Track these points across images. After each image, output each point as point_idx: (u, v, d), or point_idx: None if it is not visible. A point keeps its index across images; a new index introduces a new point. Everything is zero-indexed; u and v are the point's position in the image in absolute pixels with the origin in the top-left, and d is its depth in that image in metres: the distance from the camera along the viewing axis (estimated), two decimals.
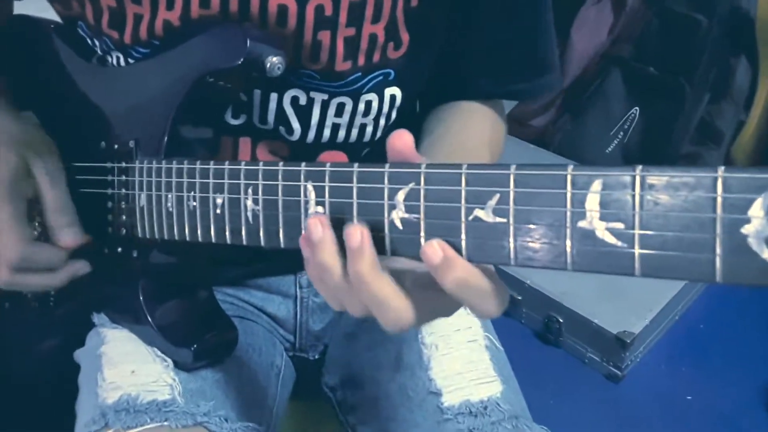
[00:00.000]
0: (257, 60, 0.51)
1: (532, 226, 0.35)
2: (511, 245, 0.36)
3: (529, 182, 0.35)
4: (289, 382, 0.73)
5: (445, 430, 0.59)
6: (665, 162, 1.84)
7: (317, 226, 0.40)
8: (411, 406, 0.63)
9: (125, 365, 0.58)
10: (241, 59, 0.51)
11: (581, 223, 0.33)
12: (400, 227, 0.41)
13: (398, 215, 0.41)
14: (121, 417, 0.53)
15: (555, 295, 1.43)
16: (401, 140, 0.40)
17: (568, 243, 0.33)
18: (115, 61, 0.61)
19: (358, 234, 0.38)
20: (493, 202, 0.36)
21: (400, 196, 0.40)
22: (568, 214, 0.33)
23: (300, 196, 0.46)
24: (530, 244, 0.35)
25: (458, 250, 0.38)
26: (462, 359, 0.64)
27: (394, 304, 0.38)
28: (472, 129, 0.65)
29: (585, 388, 1.41)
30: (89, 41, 0.63)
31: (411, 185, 0.40)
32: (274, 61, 0.51)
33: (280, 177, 0.47)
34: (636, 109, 1.82)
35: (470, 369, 0.63)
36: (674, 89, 1.81)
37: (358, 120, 0.61)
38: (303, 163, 0.46)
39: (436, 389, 0.62)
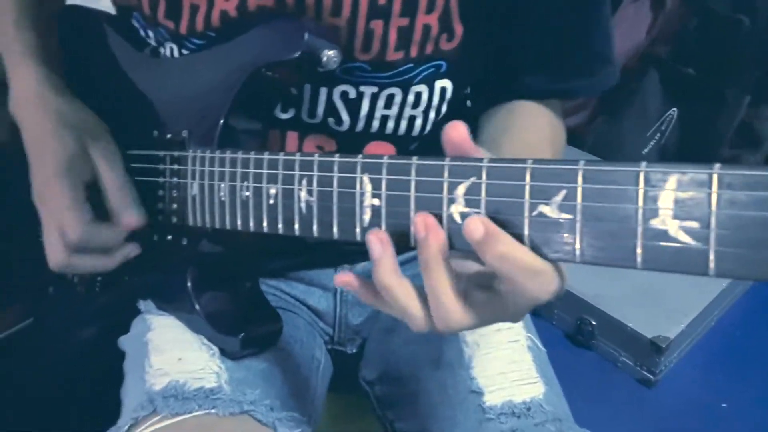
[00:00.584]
0: (314, 53, 0.51)
1: (600, 223, 0.34)
2: (578, 242, 0.35)
3: (599, 178, 0.34)
4: (327, 375, 0.73)
5: (486, 429, 0.59)
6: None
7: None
8: (452, 404, 0.63)
9: (172, 352, 0.59)
10: (299, 52, 0.51)
11: (653, 221, 0.32)
12: (460, 222, 0.40)
13: (458, 209, 0.40)
14: (169, 403, 0.54)
15: (588, 297, 1.41)
16: (456, 131, 0.40)
17: (639, 241, 0.33)
18: (168, 52, 0.61)
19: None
20: (559, 198, 0.36)
21: (461, 190, 0.40)
22: (640, 211, 0.33)
23: (356, 188, 0.46)
24: (598, 242, 0.34)
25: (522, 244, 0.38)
26: (504, 359, 0.64)
27: (412, 311, 0.40)
28: (533, 128, 0.64)
29: (617, 391, 1.39)
30: (142, 32, 0.63)
31: (472, 179, 0.40)
32: (330, 55, 0.52)
33: (335, 168, 0.47)
34: (674, 111, 1.79)
35: (512, 369, 0.63)
36: (713, 91, 1.77)
37: (408, 111, 0.61)
38: (359, 155, 0.46)
39: (477, 388, 0.62)
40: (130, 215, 0.59)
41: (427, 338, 0.69)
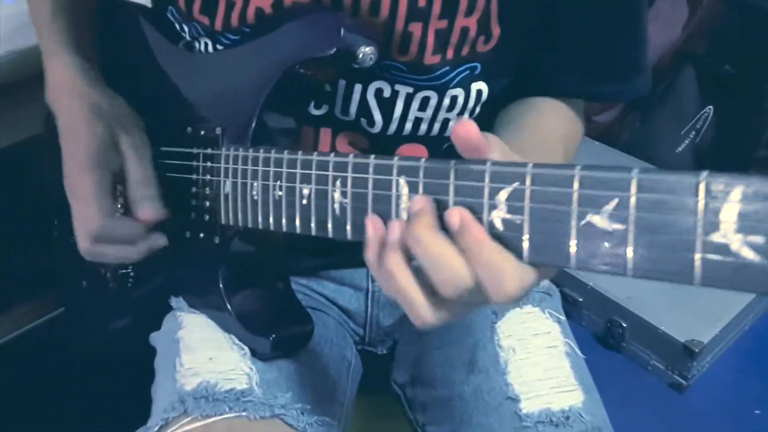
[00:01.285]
0: (350, 50, 0.50)
1: (654, 236, 0.33)
2: (629, 254, 0.34)
3: (655, 187, 0.33)
4: (357, 377, 0.72)
5: None
6: (739, 165, 1.77)
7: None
8: (486, 410, 0.61)
9: (203, 351, 0.59)
10: (334, 49, 0.50)
11: (714, 236, 0.30)
12: (500, 228, 0.39)
13: (499, 215, 0.39)
14: (200, 404, 0.53)
15: (619, 299, 1.38)
16: (464, 128, 0.39)
17: (697, 256, 0.31)
18: (203, 47, 0.61)
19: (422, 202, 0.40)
20: (610, 207, 0.34)
21: (502, 195, 0.39)
22: (700, 224, 0.31)
23: (392, 191, 0.44)
24: (651, 254, 0.33)
25: (566, 256, 0.36)
26: (541, 365, 0.62)
27: (448, 262, 0.37)
28: (547, 125, 0.63)
29: (646, 396, 1.36)
30: (177, 26, 0.63)
31: (515, 185, 0.38)
32: (367, 52, 0.50)
33: (370, 170, 0.46)
34: (710, 108, 1.74)
35: (550, 376, 0.61)
36: (751, 89, 1.72)
37: (442, 115, 0.60)
38: (395, 158, 0.44)
39: (513, 395, 0.60)
40: (147, 209, 0.59)
41: (461, 341, 0.67)
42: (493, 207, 0.39)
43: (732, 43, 1.76)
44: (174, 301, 0.65)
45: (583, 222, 0.35)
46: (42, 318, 1.02)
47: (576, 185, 0.36)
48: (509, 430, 0.58)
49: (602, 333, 1.43)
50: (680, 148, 1.75)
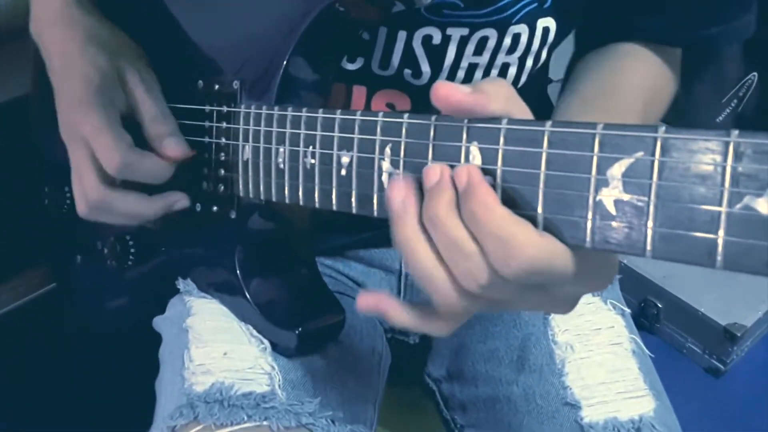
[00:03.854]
0: None
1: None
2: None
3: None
4: (386, 370, 0.64)
5: None
6: None
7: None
8: (540, 416, 0.53)
9: (216, 345, 0.50)
10: None
11: None
12: (613, 212, 0.30)
13: (611, 195, 0.30)
14: (213, 411, 0.45)
15: (656, 279, 1.30)
16: (444, 89, 0.33)
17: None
18: None
19: (437, 171, 0.33)
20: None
21: (617, 170, 0.30)
22: None
23: (459, 161, 0.35)
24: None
25: (712, 253, 0.27)
26: (605, 366, 0.54)
27: (467, 249, 0.31)
28: (624, 77, 0.55)
29: (681, 379, 1.29)
30: None
31: (637, 155, 0.29)
32: None
33: (431, 134, 0.36)
34: (754, 75, 1.64)
35: (616, 379, 0.53)
36: None
37: (501, 59, 0.52)
38: (466, 120, 0.35)
39: (573, 400, 0.52)
40: (171, 143, 0.50)
41: (508, 334, 0.59)
42: (602, 184, 0.30)
43: None
44: (182, 284, 0.56)
45: (739, 205, 0.26)
46: (29, 295, 0.93)
47: (730, 157, 0.26)
48: None
49: (635, 313, 1.35)
50: (721, 117, 1.65)
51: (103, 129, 0.48)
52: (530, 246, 0.30)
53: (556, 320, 0.58)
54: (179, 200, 0.52)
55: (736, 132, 0.27)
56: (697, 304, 1.26)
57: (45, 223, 0.71)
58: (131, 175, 0.49)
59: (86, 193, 0.51)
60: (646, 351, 0.58)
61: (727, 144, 0.27)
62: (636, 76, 0.55)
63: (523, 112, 0.34)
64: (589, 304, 0.59)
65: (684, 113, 1.69)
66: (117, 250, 0.60)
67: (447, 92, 0.33)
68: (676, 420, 0.54)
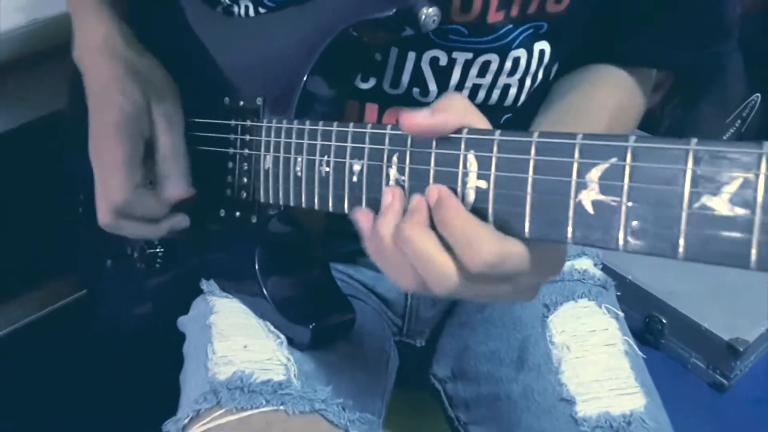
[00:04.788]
0: (410, 11, 0.45)
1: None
2: (754, 242, 0.29)
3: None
4: (394, 370, 0.68)
5: None
6: None
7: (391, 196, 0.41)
8: (538, 411, 0.57)
9: (237, 339, 0.55)
10: (393, 9, 0.45)
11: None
12: (591, 211, 0.34)
13: (589, 196, 0.34)
14: (234, 396, 0.49)
15: (660, 294, 1.32)
16: (408, 119, 0.39)
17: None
18: (243, 11, 0.56)
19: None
20: (732, 187, 0.29)
21: (594, 173, 0.34)
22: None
23: (458, 168, 0.40)
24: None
25: (674, 246, 0.31)
26: (599, 365, 0.57)
27: (437, 260, 0.37)
28: (596, 94, 0.59)
29: (685, 394, 1.30)
30: None
31: (612, 161, 0.33)
32: (429, 13, 0.45)
33: (433, 144, 0.41)
34: (757, 96, 1.67)
35: (609, 377, 0.56)
36: None
37: (502, 80, 0.55)
38: (465, 129, 0.39)
39: (568, 396, 0.56)
40: (173, 187, 0.55)
41: (508, 335, 0.63)
42: (582, 186, 0.34)
43: None
44: (205, 284, 0.61)
45: (697, 205, 0.30)
46: (60, 302, 0.98)
47: (690, 162, 0.31)
48: None
49: (640, 329, 1.37)
50: (725, 137, 1.68)
51: (118, 165, 0.53)
52: (492, 242, 0.35)
53: (554, 322, 0.61)
54: (182, 221, 0.57)
55: (695, 140, 0.31)
56: (700, 319, 1.27)
57: (77, 230, 0.75)
58: (131, 213, 0.55)
59: (101, 215, 0.56)
60: (639, 352, 0.61)
61: (687, 151, 0.31)
62: (602, 98, 0.59)
63: (480, 120, 0.39)
64: (585, 308, 0.62)
65: (688, 134, 1.72)
66: (146, 254, 0.64)
67: (411, 122, 0.39)
68: (666, 416, 0.57)
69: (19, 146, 0.87)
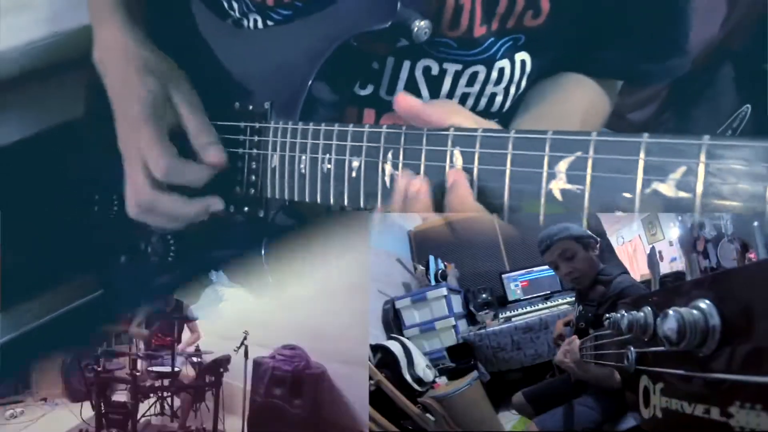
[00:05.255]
0: (405, 23, 0.50)
1: (723, 203, 0.32)
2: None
3: (725, 154, 0.32)
4: None
5: None
6: None
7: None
8: None
9: None
10: (390, 22, 0.50)
11: None
12: (559, 199, 0.39)
13: (558, 185, 0.39)
14: None
15: None
16: (405, 100, 0.45)
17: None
18: (251, 24, 0.61)
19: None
20: (677, 174, 0.34)
21: (562, 165, 0.39)
22: None
23: (445, 162, 0.44)
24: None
25: None
26: None
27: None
28: (568, 99, 0.64)
29: None
30: (225, 4, 0.63)
31: (577, 154, 0.38)
32: (422, 26, 0.50)
33: (424, 141, 0.45)
34: (747, 107, 1.71)
35: None
36: None
37: (489, 89, 0.60)
38: (451, 128, 0.44)
39: None
40: (215, 150, 0.58)
41: None
42: (552, 177, 0.39)
43: None
44: (214, 275, 0.65)
45: (648, 190, 0.35)
46: (80, 300, 1.02)
47: (642, 153, 0.35)
48: None
49: None
50: None
51: (153, 141, 0.57)
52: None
53: None
54: (215, 203, 0.60)
55: (646, 135, 0.36)
56: None
57: (93, 230, 0.80)
58: (175, 179, 0.58)
59: (137, 194, 0.60)
60: None
61: (639, 143, 0.36)
62: (574, 101, 0.64)
63: (468, 118, 0.44)
64: None
65: None
66: (159, 247, 0.69)
67: (406, 102, 0.45)
68: None
69: (39, 151, 0.91)
